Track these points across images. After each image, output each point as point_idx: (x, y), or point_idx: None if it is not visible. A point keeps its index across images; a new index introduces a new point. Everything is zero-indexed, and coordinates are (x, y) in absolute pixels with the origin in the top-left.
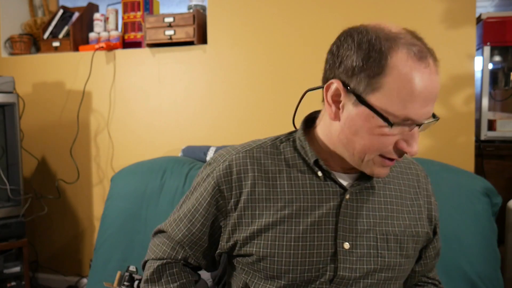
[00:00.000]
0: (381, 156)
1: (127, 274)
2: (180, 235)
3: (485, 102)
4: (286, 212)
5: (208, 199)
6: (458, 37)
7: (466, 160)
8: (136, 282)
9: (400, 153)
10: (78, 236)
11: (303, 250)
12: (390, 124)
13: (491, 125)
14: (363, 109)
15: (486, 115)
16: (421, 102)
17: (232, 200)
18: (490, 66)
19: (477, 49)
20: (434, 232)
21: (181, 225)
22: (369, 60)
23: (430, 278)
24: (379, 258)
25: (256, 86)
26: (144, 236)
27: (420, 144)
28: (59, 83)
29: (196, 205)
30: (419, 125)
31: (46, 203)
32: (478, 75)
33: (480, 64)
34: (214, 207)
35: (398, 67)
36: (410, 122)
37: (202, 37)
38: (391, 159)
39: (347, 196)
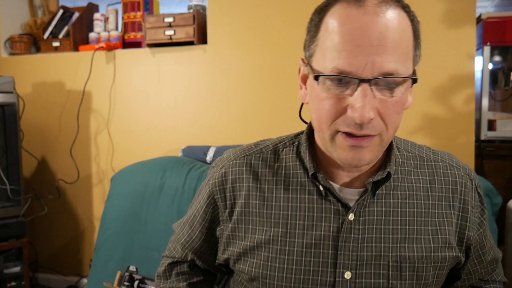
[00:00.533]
0: (341, 133)
1: (127, 274)
2: (183, 239)
3: (485, 102)
4: (280, 229)
5: (204, 207)
6: (458, 37)
7: (466, 160)
8: (136, 282)
9: (352, 123)
10: (78, 236)
11: (296, 274)
12: (316, 77)
13: (491, 125)
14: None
15: (486, 115)
16: (351, 47)
17: (227, 210)
18: (490, 66)
19: (477, 49)
20: (467, 254)
21: (184, 230)
22: (311, 26)
23: (486, 282)
24: None
25: (256, 86)
26: (144, 236)
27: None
28: (59, 83)
29: (195, 212)
30: (361, 81)
31: (46, 203)
32: (478, 75)
33: (480, 64)
34: (210, 215)
35: (328, 19)
36: (344, 77)
37: (202, 37)
38: (352, 135)
39: (350, 217)
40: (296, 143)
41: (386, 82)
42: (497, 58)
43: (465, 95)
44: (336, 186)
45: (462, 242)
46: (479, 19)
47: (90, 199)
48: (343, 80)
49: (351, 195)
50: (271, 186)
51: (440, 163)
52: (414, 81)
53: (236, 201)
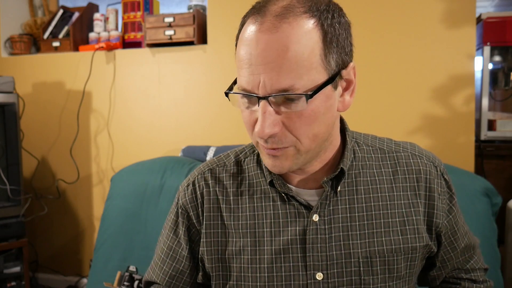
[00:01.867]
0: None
1: (127, 274)
2: (166, 277)
3: (485, 102)
4: (249, 239)
5: (176, 220)
6: (458, 37)
7: (466, 160)
8: (136, 282)
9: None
10: (78, 236)
11: (269, 282)
12: (226, 94)
13: (491, 125)
14: None
15: (486, 115)
16: (246, 66)
17: (199, 224)
18: (490, 66)
19: (477, 49)
20: (439, 241)
21: (164, 266)
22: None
23: (466, 272)
24: (362, 286)
25: None
26: (144, 236)
27: (420, 144)
28: (59, 83)
29: (169, 240)
30: (259, 98)
31: (46, 203)
32: (478, 75)
33: (480, 64)
34: (185, 228)
35: (241, 34)
36: (245, 93)
37: (202, 37)
38: (266, 147)
39: (315, 218)
40: (256, 151)
41: (286, 97)
42: (497, 58)
43: (465, 95)
44: (294, 188)
45: (431, 229)
46: (479, 19)
47: (90, 199)
48: (248, 97)
49: (311, 196)
50: (236, 197)
51: (402, 153)
52: (308, 96)
53: (205, 214)
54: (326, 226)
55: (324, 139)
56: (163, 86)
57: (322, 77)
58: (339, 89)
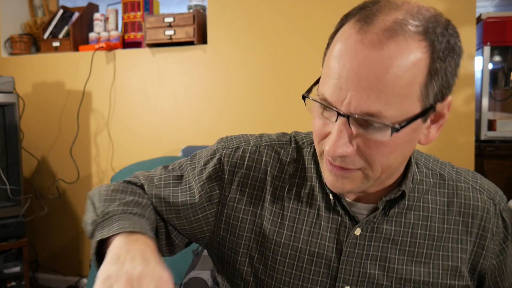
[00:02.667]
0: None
1: None
2: (170, 196)
3: (485, 102)
4: (285, 232)
5: (210, 166)
6: None
7: (466, 160)
8: None
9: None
10: (78, 236)
11: (295, 280)
12: (303, 97)
13: (491, 125)
14: None
15: (486, 115)
16: (336, 77)
17: (231, 186)
18: (490, 66)
19: (477, 49)
20: (481, 282)
21: (171, 184)
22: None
23: None
24: None
25: (256, 86)
26: None
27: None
28: (59, 83)
29: (197, 168)
30: (339, 114)
31: (46, 203)
32: (478, 75)
33: (480, 64)
34: (214, 179)
35: (335, 40)
36: (326, 104)
37: (202, 37)
38: (331, 164)
39: (357, 232)
40: (313, 144)
41: (369, 121)
42: (497, 58)
43: (465, 95)
44: (347, 199)
45: (475, 270)
46: (479, 19)
47: None
48: (327, 107)
49: (360, 210)
50: (289, 186)
51: (463, 184)
52: (394, 130)
53: (245, 189)
54: (366, 243)
55: (394, 171)
56: (163, 86)
57: (415, 109)
58: (428, 121)
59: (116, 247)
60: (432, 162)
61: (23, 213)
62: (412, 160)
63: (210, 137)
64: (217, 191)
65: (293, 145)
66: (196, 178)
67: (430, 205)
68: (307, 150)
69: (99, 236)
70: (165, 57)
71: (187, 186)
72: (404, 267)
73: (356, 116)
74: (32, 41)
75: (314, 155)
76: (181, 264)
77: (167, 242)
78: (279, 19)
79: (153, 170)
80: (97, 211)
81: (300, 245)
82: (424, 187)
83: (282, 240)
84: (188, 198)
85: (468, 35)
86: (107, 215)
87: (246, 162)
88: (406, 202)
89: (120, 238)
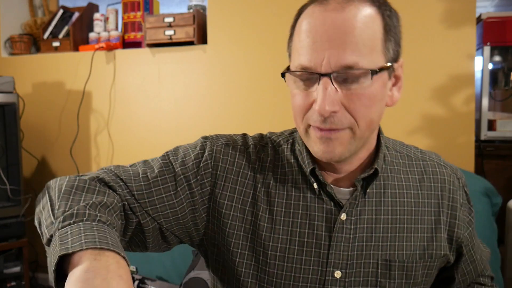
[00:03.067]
0: (312, 126)
1: None
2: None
3: (485, 102)
4: (282, 227)
5: (200, 154)
6: (458, 37)
7: (466, 160)
8: (136, 282)
9: (317, 117)
10: None
11: (287, 272)
12: (282, 75)
13: (491, 125)
14: None
15: (486, 115)
16: (310, 44)
17: (219, 183)
18: (490, 66)
19: (477, 49)
20: (459, 252)
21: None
22: (290, 31)
23: (480, 282)
24: None
25: (256, 86)
26: None
27: (420, 144)
28: (59, 83)
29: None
30: (321, 75)
31: None
32: (478, 75)
33: (480, 64)
34: (204, 165)
35: (300, 20)
36: (304, 72)
37: (202, 37)
38: (320, 128)
39: (343, 217)
40: (291, 141)
41: (349, 75)
42: (497, 58)
43: (465, 95)
44: (331, 185)
45: (452, 240)
46: (479, 19)
47: None
48: (307, 76)
49: (342, 195)
50: (274, 182)
51: (428, 162)
52: (374, 72)
53: (235, 186)
54: (352, 226)
55: (373, 130)
56: (163, 86)
57: (382, 61)
58: (389, 83)
59: (81, 274)
60: (399, 145)
61: (23, 213)
62: (382, 141)
63: None
64: (208, 188)
65: (270, 145)
66: (189, 174)
67: (403, 183)
68: (284, 148)
69: (60, 250)
70: (165, 57)
71: (175, 182)
72: (388, 243)
73: (336, 74)
74: (32, 41)
75: (293, 150)
76: (181, 264)
77: (157, 240)
78: (279, 19)
79: (131, 165)
80: (57, 210)
81: (289, 237)
82: (396, 167)
83: (272, 235)
84: (177, 195)
85: (468, 35)
86: (70, 218)
87: (236, 160)
88: (382, 182)
89: (88, 261)
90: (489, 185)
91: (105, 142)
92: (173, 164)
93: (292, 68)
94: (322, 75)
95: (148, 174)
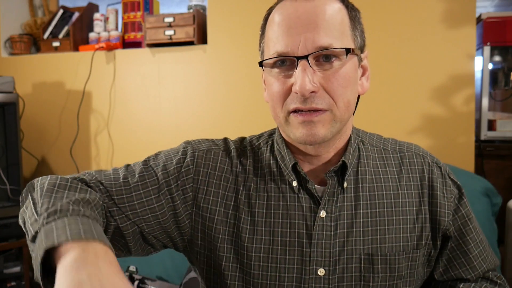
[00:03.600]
0: (292, 112)
1: (127, 274)
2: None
3: (485, 102)
4: (263, 229)
5: (180, 158)
6: (458, 37)
7: (466, 160)
8: (136, 282)
9: (297, 98)
10: None
11: (272, 272)
12: (260, 64)
13: (491, 125)
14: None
15: (486, 115)
16: (285, 30)
17: (201, 188)
18: (490, 66)
19: (477, 49)
20: (445, 240)
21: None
22: (261, 28)
23: (474, 279)
24: (362, 283)
25: (256, 86)
26: None
27: (420, 144)
28: (59, 83)
29: (163, 161)
30: (298, 58)
31: None
32: (478, 75)
33: (480, 64)
34: (184, 172)
35: (271, 16)
36: (283, 57)
37: (202, 37)
38: (301, 111)
39: (322, 214)
40: (270, 142)
41: (324, 56)
42: (497, 58)
43: (465, 95)
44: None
45: (436, 229)
46: (479, 19)
47: None
48: (286, 62)
49: (320, 192)
50: (255, 185)
51: (406, 153)
52: (348, 50)
53: (217, 191)
54: (332, 223)
55: (351, 113)
56: (163, 86)
57: (353, 46)
58: (359, 71)
59: (71, 264)
60: (376, 140)
61: None
62: (353, 136)
63: (210, 137)
64: (190, 193)
65: (249, 148)
66: (170, 179)
67: (381, 176)
68: (263, 149)
69: (46, 243)
70: (165, 57)
71: (156, 187)
72: (370, 237)
73: (314, 52)
74: (32, 41)
75: (272, 151)
76: (181, 264)
77: (139, 244)
78: None
79: (113, 170)
80: (40, 207)
81: (272, 237)
82: (372, 161)
83: (254, 237)
84: (158, 199)
85: (468, 35)
86: (54, 214)
87: (218, 164)
88: (360, 176)
89: (76, 250)
90: (489, 185)
91: (105, 142)
92: (154, 169)
93: (268, 57)
94: (300, 58)
95: (129, 178)
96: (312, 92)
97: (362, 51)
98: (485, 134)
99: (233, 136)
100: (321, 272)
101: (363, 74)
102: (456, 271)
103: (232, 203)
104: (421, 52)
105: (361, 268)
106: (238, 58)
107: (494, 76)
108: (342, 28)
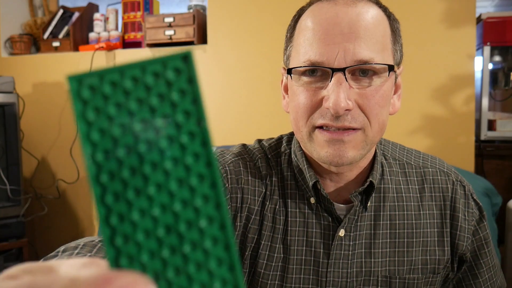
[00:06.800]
0: (318, 127)
1: None
2: None
3: (485, 102)
4: (278, 245)
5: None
6: (458, 37)
7: (466, 160)
8: None
9: (328, 114)
10: (78, 236)
11: None
12: (289, 72)
13: (491, 125)
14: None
15: (486, 115)
16: (321, 37)
17: (236, 205)
18: (490, 66)
19: (477, 49)
20: (460, 264)
21: None
22: (288, 30)
23: None
24: None
25: (256, 86)
26: None
27: (420, 144)
28: (59, 83)
29: None
30: (334, 70)
31: (46, 203)
32: (478, 75)
33: (480, 64)
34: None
35: (302, 19)
36: (317, 67)
37: (202, 37)
38: (327, 128)
39: (341, 233)
40: (288, 151)
41: (362, 71)
42: (497, 58)
43: (465, 95)
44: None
45: (453, 252)
46: (479, 19)
47: (90, 199)
48: (317, 71)
49: (340, 210)
50: (276, 197)
51: (430, 169)
52: (391, 68)
53: (248, 205)
54: (351, 243)
55: (382, 135)
56: None
57: (390, 62)
58: (393, 89)
59: None
60: (399, 152)
61: (23, 213)
62: (378, 151)
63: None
64: (233, 213)
65: (269, 156)
66: None
67: (403, 194)
68: (282, 159)
69: None
70: None
71: None
72: (388, 259)
73: (353, 66)
74: (32, 41)
75: (289, 162)
76: None
77: None
78: (279, 19)
79: None
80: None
81: (288, 256)
82: (395, 177)
83: (270, 253)
84: None
85: (468, 35)
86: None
87: (249, 178)
88: (382, 194)
89: None
90: (489, 185)
91: None
92: None
93: (298, 65)
94: (335, 70)
95: None
96: (347, 110)
97: (398, 64)
98: (485, 134)
99: (233, 135)
100: None
101: (395, 92)
102: None
103: (258, 218)
104: (421, 52)
105: None
106: (238, 58)
107: (494, 76)
108: (384, 41)
